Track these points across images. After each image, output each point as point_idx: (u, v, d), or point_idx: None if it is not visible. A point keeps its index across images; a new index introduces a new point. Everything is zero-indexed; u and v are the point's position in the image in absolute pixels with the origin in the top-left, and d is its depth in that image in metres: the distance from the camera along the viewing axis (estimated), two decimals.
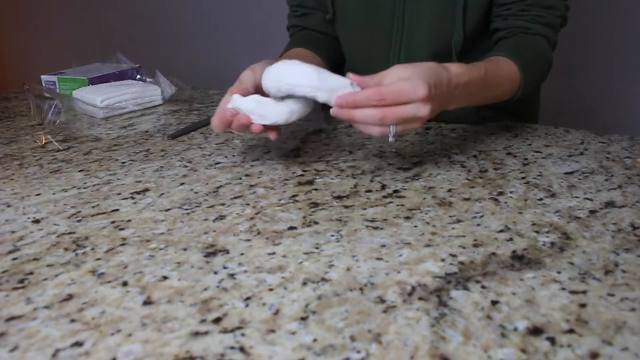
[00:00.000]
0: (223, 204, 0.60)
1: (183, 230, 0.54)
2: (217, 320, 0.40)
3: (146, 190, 0.64)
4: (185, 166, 0.72)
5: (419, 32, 0.84)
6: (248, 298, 0.43)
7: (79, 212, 0.59)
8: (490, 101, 0.74)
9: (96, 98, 0.97)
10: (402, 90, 0.57)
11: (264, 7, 1.94)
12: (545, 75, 0.84)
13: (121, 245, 0.52)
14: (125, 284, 0.45)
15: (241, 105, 0.64)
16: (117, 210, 0.59)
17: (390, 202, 0.59)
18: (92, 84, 1.08)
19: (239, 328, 0.39)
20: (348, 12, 0.89)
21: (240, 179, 0.67)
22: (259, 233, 0.53)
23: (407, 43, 0.85)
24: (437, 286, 0.44)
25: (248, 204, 0.60)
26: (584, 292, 0.43)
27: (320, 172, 0.68)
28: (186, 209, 0.59)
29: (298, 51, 0.90)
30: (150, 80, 1.11)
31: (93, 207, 0.60)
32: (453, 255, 0.48)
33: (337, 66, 0.96)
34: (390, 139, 0.60)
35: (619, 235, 0.51)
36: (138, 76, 1.15)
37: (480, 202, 0.59)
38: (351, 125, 0.86)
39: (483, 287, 0.44)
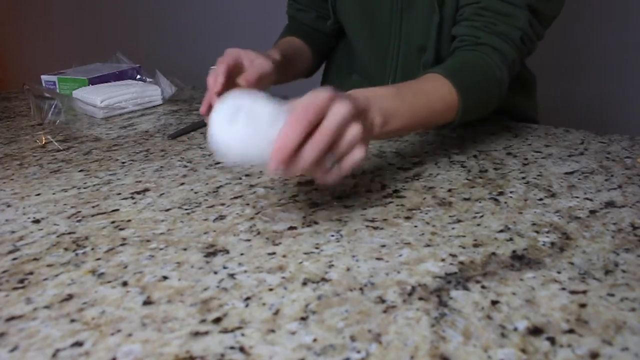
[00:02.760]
0: (223, 204, 0.60)
1: (183, 230, 0.54)
2: (217, 320, 0.40)
3: (146, 190, 0.64)
4: (185, 166, 0.72)
5: (415, 41, 0.84)
6: (248, 298, 0.43)
7: (79, 212, 0.59)
8: (426, 121, 0.64)
9: (96, 98, 0.97)
10: (309, 101, 0.48)
11: (264, 7, 1.94)
12: (496, 97, 0.72)
13: (121, 245, 0.52)
14: (125, 284, 0.45)
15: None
16: (117, 210, 0.59)
17: (390, 202, 0.59)
18: (92, 84, 1.08)
19: (239, 328, 0.39)
20: (348, 17, 0.92)
21: (240, 179, 0.67)
22: (259, 233, 0.53)
23: (405, 50, 0.86)
24: (437, 286, 0.44)
25: (248, 204, 0.60)
26: (584, 292, 0.43)
27: None
28: (186, 209, 0.59)
29: (294, 40, 0.96)
30: (150, 80, 1.11)
31: (93, 207, 0.60)
32: (453, 255, 0.48)
33: (326, 59, 1.06)
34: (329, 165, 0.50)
35: (619, 235, 0.51)
36: (138, 76, 1.15)
37: (480, 202, 0.59)
38: None
39: (483, 287, 0.44)
